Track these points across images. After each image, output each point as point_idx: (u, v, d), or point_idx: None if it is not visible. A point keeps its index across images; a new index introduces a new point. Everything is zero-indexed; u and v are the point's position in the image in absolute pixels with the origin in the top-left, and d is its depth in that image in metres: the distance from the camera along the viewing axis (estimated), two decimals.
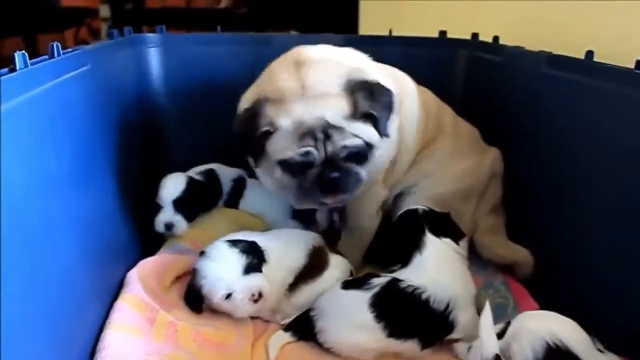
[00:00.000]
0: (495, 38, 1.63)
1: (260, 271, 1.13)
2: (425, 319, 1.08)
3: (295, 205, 1.29)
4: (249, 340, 1.12)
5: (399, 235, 1.24)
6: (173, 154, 1.65)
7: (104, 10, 4.34)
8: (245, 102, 1.22)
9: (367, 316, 1.06)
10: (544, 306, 1.17)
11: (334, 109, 1.10)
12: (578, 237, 1.20)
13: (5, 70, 0.81)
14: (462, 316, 1.09)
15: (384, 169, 1.32)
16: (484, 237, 1.40)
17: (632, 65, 1.05)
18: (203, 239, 1.31)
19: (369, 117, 1.13)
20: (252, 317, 1.18)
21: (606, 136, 1.12)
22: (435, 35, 1.79)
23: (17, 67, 0.83)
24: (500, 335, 0.94)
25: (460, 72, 1.75)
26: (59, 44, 1.01)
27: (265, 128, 1.11)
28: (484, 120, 1.56)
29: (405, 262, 1.16)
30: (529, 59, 1.40)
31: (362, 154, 1.15)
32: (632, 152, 1.05)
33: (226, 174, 1.55)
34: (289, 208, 1.48)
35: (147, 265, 1.22)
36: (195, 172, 1.49)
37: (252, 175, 1.40)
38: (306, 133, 1.10)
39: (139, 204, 1.36)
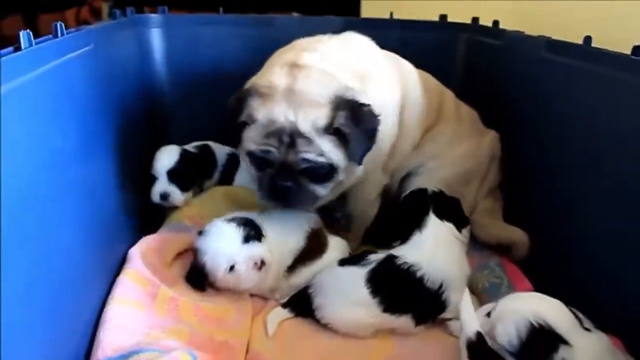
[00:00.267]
0: (495, 22, 1.63)
1: (260, 241, 1.14)
2: (419, 296, 1.10)
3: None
4: (248, 316, 1.14)
5: (403, 212, 1.25)
6: (174, 133, 1.66)
7: None
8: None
9: (364, 292, 1.08)
10: (540, 291, 1.16)
11: (309, 118, 1.08)
12: (575, 222, 1.22)
13: (10, 49, 0.82)
14: (455, 297, 1.10)
15: (384, 155, 1.33)
16: (483, 218, 1.42)
17: (629, 51, 1.06)
18: (203, 216, 1.34)
19: (342, 138, 1.10)
20: (251, 295, 1.20)
21: (602, 121, 1.12)
22: (436, 19, 1.79)
23: (22, 46, 0.83)
24: (489, 315, 0.95)
25: (460, 55, 1.76)
26: (62, 24, 1.02)
27: (244, 119, 1.13)
28: (483, 104, 1.57)
29: (404, 238, 1.18)
30: (529, 44, 1.40)
31: (321, 172, 1.13)
32: (628, 138, 1.05)
33: (222, 150, 1.60)
34: None
35: (148, 242, 1.25)
36: (190, 146, 1.54)
37: None
38: (274, 132, 1.10)
39: (141, 184, 1.39)
